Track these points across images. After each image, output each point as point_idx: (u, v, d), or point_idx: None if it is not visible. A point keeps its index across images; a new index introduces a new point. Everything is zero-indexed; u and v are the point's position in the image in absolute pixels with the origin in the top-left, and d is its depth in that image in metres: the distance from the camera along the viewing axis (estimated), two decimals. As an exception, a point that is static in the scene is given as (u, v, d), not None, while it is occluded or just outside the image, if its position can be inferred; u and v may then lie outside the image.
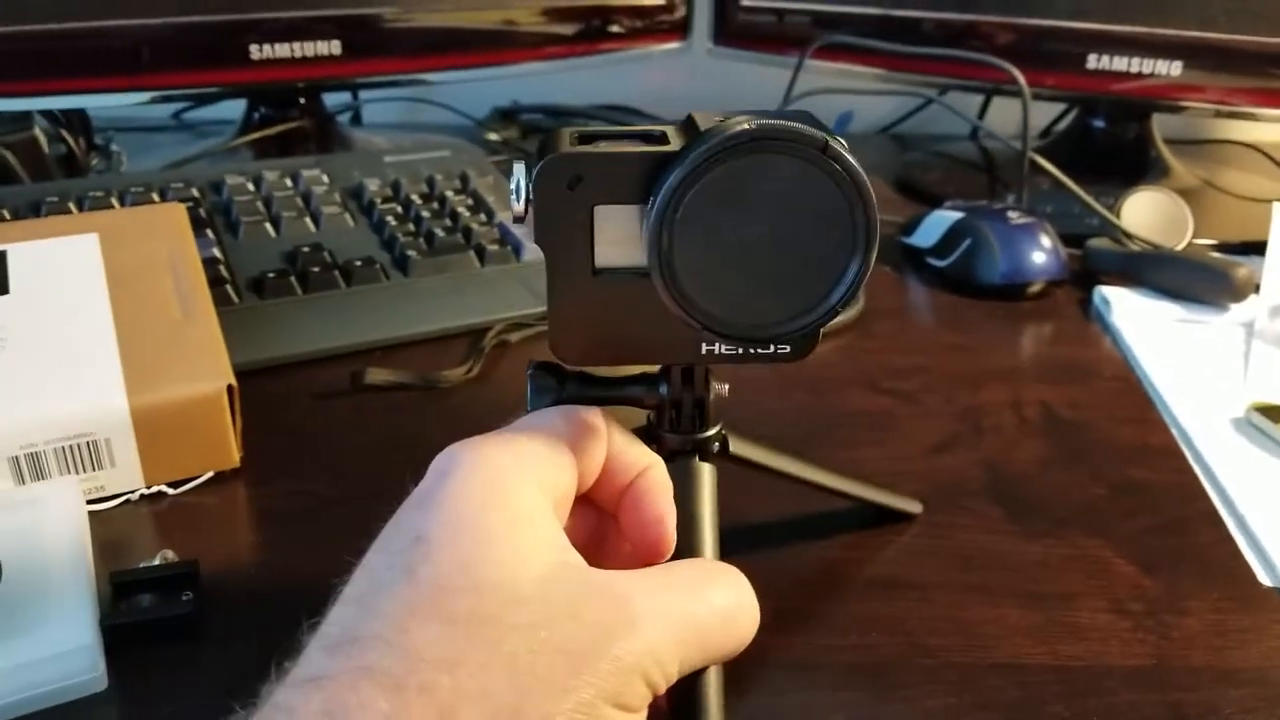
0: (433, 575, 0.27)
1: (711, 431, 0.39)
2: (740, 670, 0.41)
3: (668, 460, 0.39)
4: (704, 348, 0.36)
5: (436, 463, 0.31)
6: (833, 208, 0.32)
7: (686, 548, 0.36)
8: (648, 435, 0.40)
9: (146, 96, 0.81)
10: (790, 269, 0.33)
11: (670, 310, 0.33)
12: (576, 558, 0.30)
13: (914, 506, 0.50)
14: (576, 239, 0.34)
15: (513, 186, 0.34)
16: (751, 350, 0.36)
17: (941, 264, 0.77)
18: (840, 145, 0.31)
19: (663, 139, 0.34)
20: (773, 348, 0.36)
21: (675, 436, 0.39)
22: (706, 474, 0.39)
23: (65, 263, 0.54)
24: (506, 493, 0.30)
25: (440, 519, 0.29)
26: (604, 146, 0.34)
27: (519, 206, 0.34)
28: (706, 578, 0.32)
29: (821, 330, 0.35)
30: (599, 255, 0.35)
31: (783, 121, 0.31)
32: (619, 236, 0.34)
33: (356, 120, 1.08)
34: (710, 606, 0.31)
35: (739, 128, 0.31)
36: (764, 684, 0.40)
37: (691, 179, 0.31)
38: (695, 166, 0.31)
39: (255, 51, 0.82)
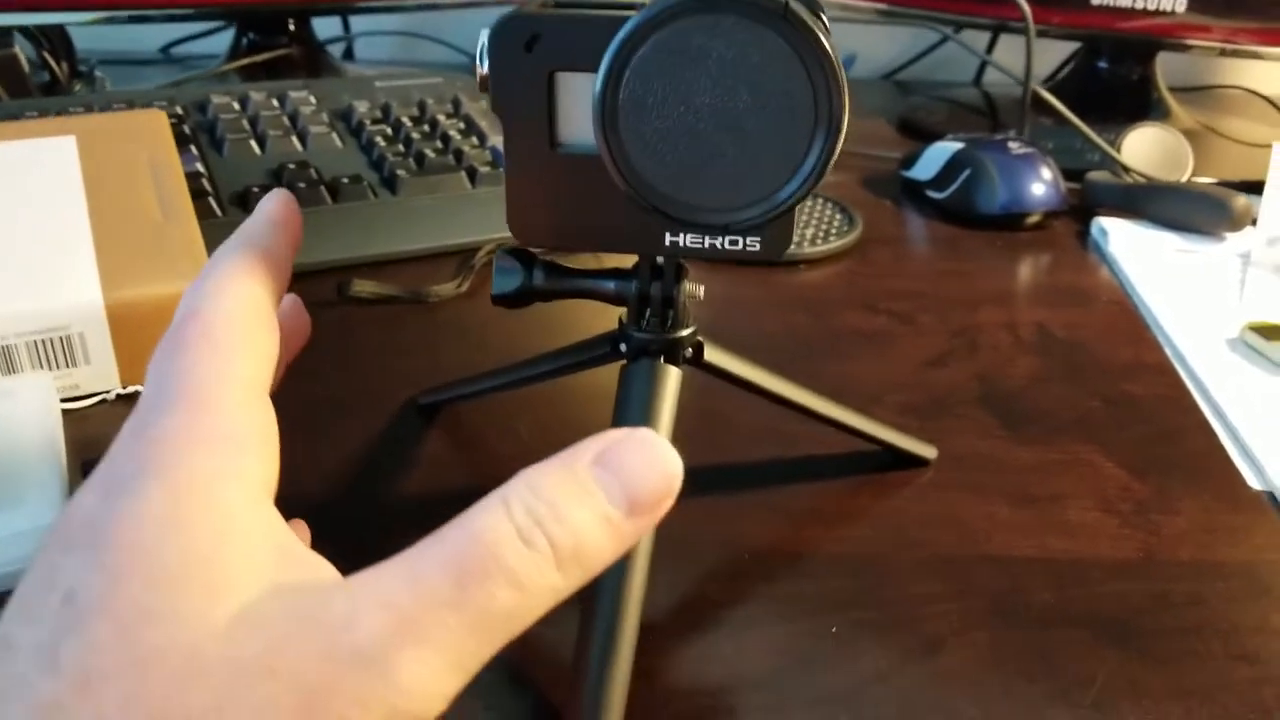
0: (81, 660, 0.19)
1: (683, 333, 0.38)
2: (725, 557, 0.40)
3: (633, 360, 0.38)
4: (668, 238, 0.34)
5: (119, 454, 0.23)
6: (794, 82, 0.30)
7: None
8: (618, 336, 0.39)
9: (131, 15, 0.79)
10: (747, 149, 0.31)
11: (619, 187, 0.32)
12: (299, 566, 0.22)
13: (929, 451, 0.46)
14: (535, 107, 0.33)
15: (478, 49, 0.33)
16: (719, 244, 0.34)
17: (941, 195, 0.76)
18: (805, 11, 0.29)
19: (638, 7, 0.32)
20: (742, 242, 0.33)
21: (642, 335, 0.38)
22: (670, 376, 0.37)
23: (41, 163, 0.53)
24: (208, 497, 0.22)
25: (102, 562, 0.20)
26: (573, 10, 0.33)
27: (483, 70, 0.33)
28: (472, 571, 0.21)
29: (793, 225, 0.34)
30: (560, 128, 0.33)
31: None
32: (582, 109, 0.32)
33: (349, 56, 1.07)
34: (489, 605, 0.21)
35: None
36: (751, 571, 0.40)
37: (639, 37, 0.30)
38: (641, 24, 0.30)
39: (244, -27, 0.81)
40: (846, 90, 0.30)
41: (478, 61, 0.33)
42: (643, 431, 0.24)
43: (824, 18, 0.31)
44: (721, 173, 0.31)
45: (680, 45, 0.30)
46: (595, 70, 0.31)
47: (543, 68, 0.33)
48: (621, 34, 0.30)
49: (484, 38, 0.33)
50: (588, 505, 0.23)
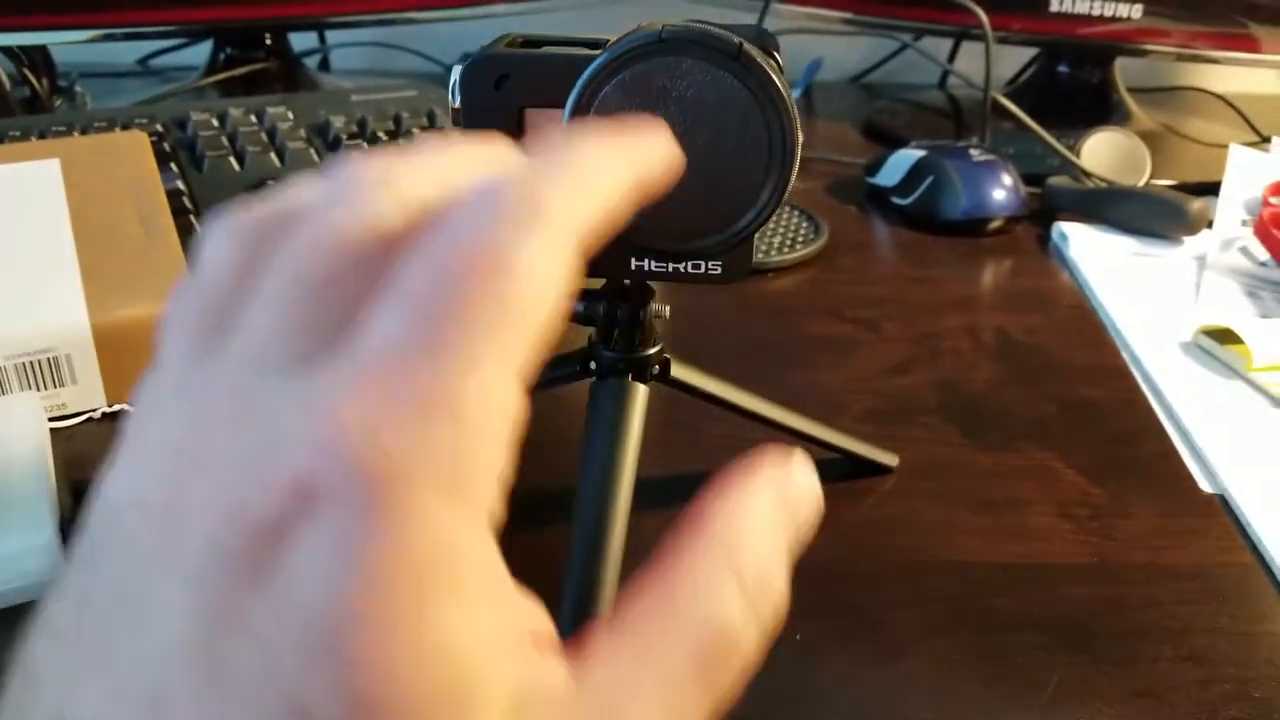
0: None
1: (650, 352, 0.40)
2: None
3: (600, 379, 0.39)
4: (634, 262, 0.36)
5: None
6: (748, 120, 0.31)
7: (603, 465, 0.36)
8: (588, 354, 0.41)
9: (109, 34, 0.80)
10: (707, 182, 0.32)
11: None
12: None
13: (890, 459, 0.48)
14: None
15: (450, 85, 0.35)
16: (682, 268, 0.35)
17: (904, 202, 0.78)
18: (758, 53, 0.31)
19: (602, 46, 0.34)
20: (704, 266, 0.35)
21: (610, 354, 0.39)
22: (638, 394, 0.39)
23: (25, 186, 0.54)
24: None
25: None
26: (539, 50, 0.34)
27: (455, 103, 0.35)
28: None
29: (752, 250, 0.36)
30: None
31: (697, 24, 0.31)
32: None
33: (325, 67, 1.08)
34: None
35: (651, 29, 0.31)
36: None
37: (603, 77, 0.31)
38: (603, 66, 0.31)
39: (219, -12, 0.82)
40: (799, 127, 0.32)
41: (450, 97, 0.35)
42: (799, 459, 0.22)
43: (777, 57, 0.32)
44: (683, 204, 0.33)
45: (642, 85, 0.32)
46: (562, 106, 0.33)
47: (512, 104, 0.34)
48: (586, 74, 0.32)
49: (455, 75, 0.34)
50: (783, 567, 0.21)
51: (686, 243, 0.34)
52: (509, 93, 0.34)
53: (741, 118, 0.32)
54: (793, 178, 0.32)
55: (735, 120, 0.32)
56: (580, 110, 0.32)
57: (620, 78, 0.31)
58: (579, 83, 0.32)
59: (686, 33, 0.31)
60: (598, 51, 0.33)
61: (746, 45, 0.31)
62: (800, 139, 0.32)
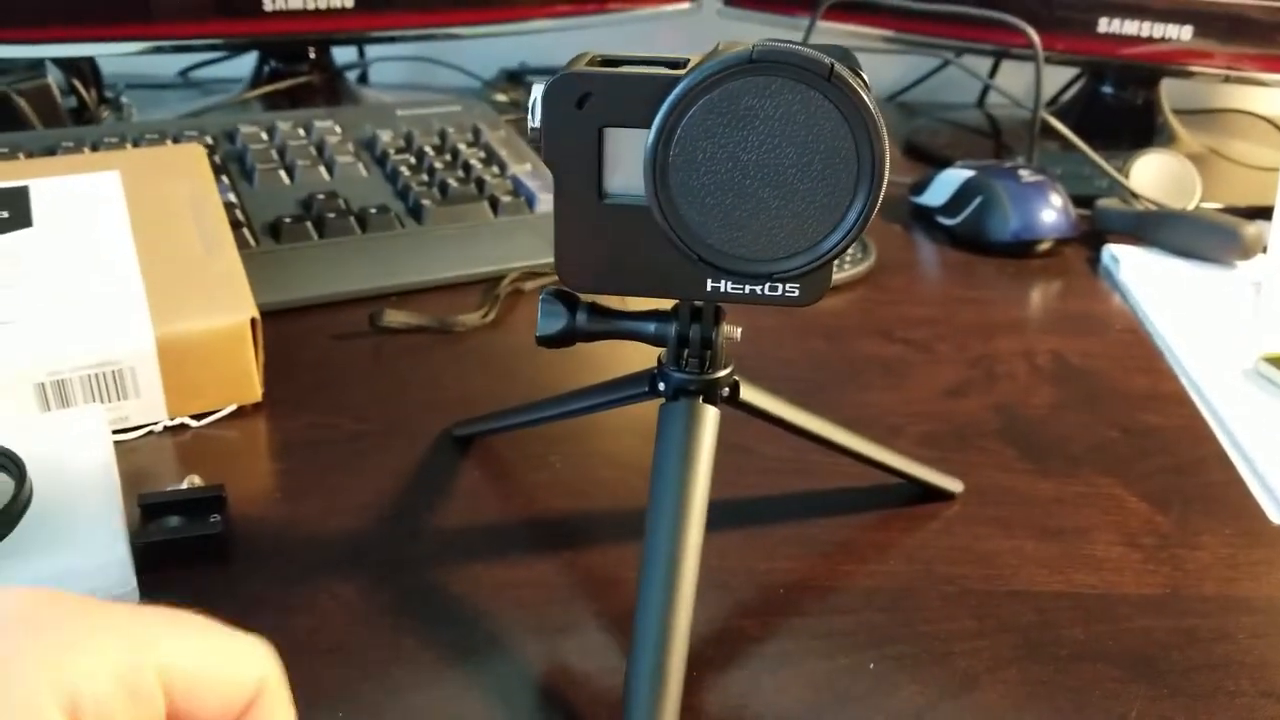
0: None
1: (720, 374, 0.39)
2: (760, 591, 0.42)
3: (671, 399, 0.39)
4: (709, 284, 0.35)
5: None
6: (837, 140, 0.31)
7: (676, 490, 0.36)
8: (655, 375, 0.40)
9: (158, 46, 0.80)
10: (792, 203, 0.32)
11: (667, 238, 0.33)
12: None
13: (954, 485, 0.47)
14: (585, 161, 0.34)
15: (530, 104, 0.34)
16: (759, 290, 0.35)
17: (951, 222, 0.77)
18: (848, 73, 0.30)
19: (682, 65, 0.34)
20: (781, 289, 0.35)
21: (680, 375, 0.39)
22: (709, 417, 0.38)
23: (88, 197, 0.54)
24: None
25: None
26: (622, 69, 0.34)
27: (534, 123, 0.34)
28: None
29: (831, 272, 0.35)
30: (608, 180, 0.35)
31: (786, 44, 0.31)
32: (629, 162, 0.34)
33: (364, 80, 1.08)
34: None
35: (740, 49, 0.31)
36: (784, 604, 0.41)
37: (690, 99, 0.31)
38: (693, 86, 0.31)
39: (268, 2, 0.82)
40: (888, 147, 0.31)
41: (529, 116, 0.35)
42: None
43: (864, 77, 0.32)
44: (766, 225, 0.33)
45: (729, 106, 0.31)
46: (643, 126, 0.33)
47: (593, 124, 0.34)
48: (673, 96, 0.31)
49: (536, 93, 0.34)
50: None
51: (768, 264, 0.33)
52: (590, 112, 0.34)
53: (830, 138, 0.31)
54: (881, 197, 0.32)
55: (824, 141, 0.31)
56: (666, 129, 0.32)
57: (708, 98, 0.31)
58: (667, 102, 0.32)
59: (778, 53, 0.31)
60: (681, 71, 0.32)
61: (838, 65, 0.30)
62: (889, 160, 0.31)
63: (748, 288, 0.35)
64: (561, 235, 0.36)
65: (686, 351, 0.39)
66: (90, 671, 0.19)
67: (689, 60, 0.34)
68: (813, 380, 0.57)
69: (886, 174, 0.32)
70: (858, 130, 0.31)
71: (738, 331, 0.39)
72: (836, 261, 0.69)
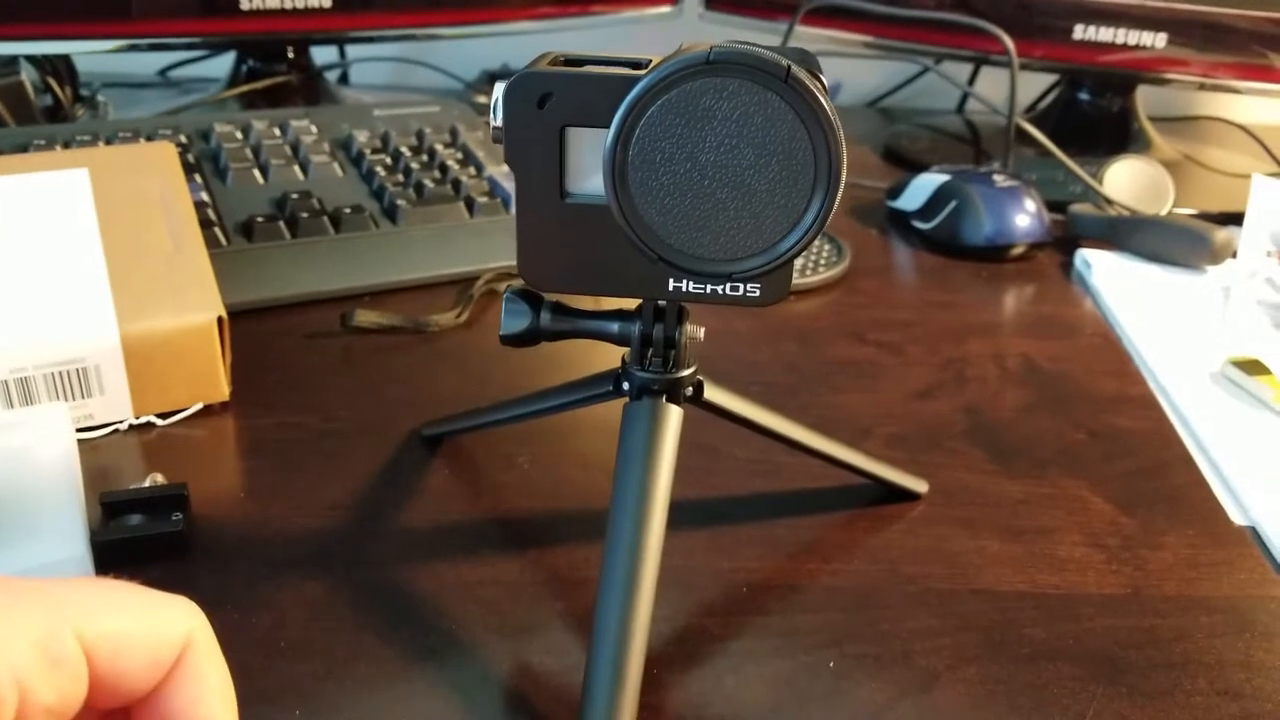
0: None
1: (684, 373, 0.39)
2: (723, 590, 0.42)
3: (635, 398, 0.39)
4: (671, 284, 0.36)
5: None
6: (794, 141, 0.31)
7: (638, 488, 0.36)
8: (619, 374, 0.41)
9: (134, 44, 0.80)
10: (750, 204, 0.32)
11: (627, 237, 0.33)
12: None
13: (920, 485, 0.48)
14: (546, 160, 0.35)
15: (492, 104, 0.35)
16: (720, 290, 0.35)
17: (926, 226, 0.78)
18: (806, 75, 0.31)
19: (645, 66, 0.34)
20: (742, 289, 0.35)
21: (644, 374, 0.39)
22: (671, 416, 0.38)
23: (55, 195, 0.53)
24: None
25: None
26: (582, 69, 0.34)
27: (496, 122, 0.35)
28: None
29: (792, 272, 0.35)
30: (569, 179, 0.35)
31: (743, 45, 0.31)
32: (591, 162, 0.34)
33: (345, 81, 1.08)
34: None
35: (699, 50, 0.31)
36: (748, 604, 0.41)
37: (648, 99, 0.31)
38: (651, 86, 0.31)
39: (245, 2, 0.82)
40: (845, 149, 0.32)
41: (492, 115, 0.35)
42: None
43: (823, 79, 0.32)
44: (725, 225, 0.33)
45: (688, 106, 0.31)
46: (603, 126, 0.33)
47: (554, 123, 0.34)
48: (631, 95, 0.32)
49: (498, 93, 0.34)
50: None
51: (728, 264, 0.34)
52: (552, 111, 0.34)
53: (787, 139, 0.31)
54: (838, 200, 0.32)
55: (781, 142, 0.31)
56: (625, 129, 0.32)
57: (666, 98, 0.31)
58: (625, 102, 0.32)
59: (735, 54, 0.31)
60: (642, 71, 0.32)
61: (795, 67, 0.31)
62: (845, 161, 0.32)
63: (709, 287, 0.35)
64: (524, 234, 0.36)
65: (650, 351, 0.39)
66: (6, 641, 0.19)
67: (651, 61, 0.34)
68: (785, 382, 0.57)
69: (844, 175, 0.32)
70: (814, 132, 0.31)
71: (700, 331, 0.40)
72: (811, 264, 0.70)
